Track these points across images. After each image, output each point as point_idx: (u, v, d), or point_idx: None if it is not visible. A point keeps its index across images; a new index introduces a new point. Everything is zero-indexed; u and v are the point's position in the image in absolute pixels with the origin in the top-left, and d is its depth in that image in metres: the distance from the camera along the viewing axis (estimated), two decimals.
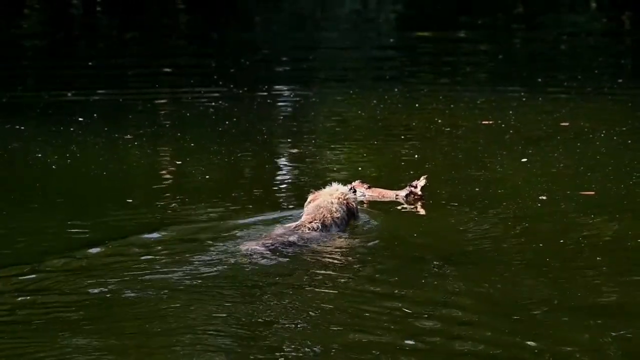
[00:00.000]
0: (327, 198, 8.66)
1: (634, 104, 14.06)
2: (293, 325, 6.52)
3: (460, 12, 28.70)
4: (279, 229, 8.39)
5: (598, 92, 15.14)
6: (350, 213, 8.69)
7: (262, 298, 6.96)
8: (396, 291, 7.04)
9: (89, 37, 24.75)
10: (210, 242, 8.12)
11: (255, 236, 8.23)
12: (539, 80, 16.49)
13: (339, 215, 8.57)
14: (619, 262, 7.62)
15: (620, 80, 16.16)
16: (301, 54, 21.07)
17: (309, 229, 8.36)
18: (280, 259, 7.79)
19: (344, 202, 8.66)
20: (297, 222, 8.46)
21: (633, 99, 14.45)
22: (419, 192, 9.37)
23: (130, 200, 9.53)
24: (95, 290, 7.09)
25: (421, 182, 9.40)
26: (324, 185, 9.00)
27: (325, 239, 8.32)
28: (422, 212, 9.16)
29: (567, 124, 12.82)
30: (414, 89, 15.68)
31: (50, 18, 28.82)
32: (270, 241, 8.05)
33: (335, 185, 8.84)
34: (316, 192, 8.79)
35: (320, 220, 8.44)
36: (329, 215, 8.51)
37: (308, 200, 8.78)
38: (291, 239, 8.15)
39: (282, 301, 6.90)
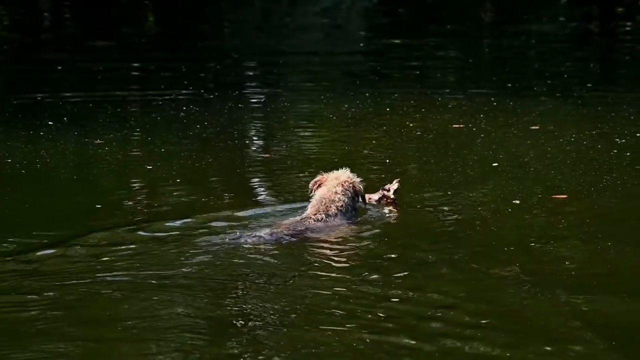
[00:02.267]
0: (332, 185, 8.90)
1: (602, 108, 14.15)
2: (273, 325, 6.52)
3: (430, 19, 28.80)
4: (284, 221, 8.61)
5: (567, 97, 15.22)
6: (356, 197, 8.93)
7: (235, 298, 6.96)
8: (377, 289, 7.06)
9: (58, 42, 24.62)
10: (181, 246, 8.12)
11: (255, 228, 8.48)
12: (509, 84, 16.57)
13: (342, 203, 8.80)
14: (595, 264, 7.66)
15: (589, 85, 16.27)
16: (271, 58, 21.07)
17: (314, 220, 8.60)
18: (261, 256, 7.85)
19: (350, 186, 8.91)
20: (302, 215, 8.70)
21: (602, 103, 14.55)
22: (392, 196, 9.36)
23: (100, 206, 9.48)
24: (53, 294, 7.07)
25: (394, 185, 9.39)
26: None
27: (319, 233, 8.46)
28: (394, 215, 9.15)
29: (537, 127, 12.88)
30: (384, 94, 15.71)
31: (17, 23, 28.64)
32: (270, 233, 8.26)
33: (342, 170, 9.07)
34: (324, 175, 9.04)
35: (324, 211, 8.67)
36: (332, 205, 8.74)
37: (314, 181, 9.05)
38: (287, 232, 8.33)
39: (259, 299, 6.90)
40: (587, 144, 11.85)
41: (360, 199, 9.06)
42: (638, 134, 12.29)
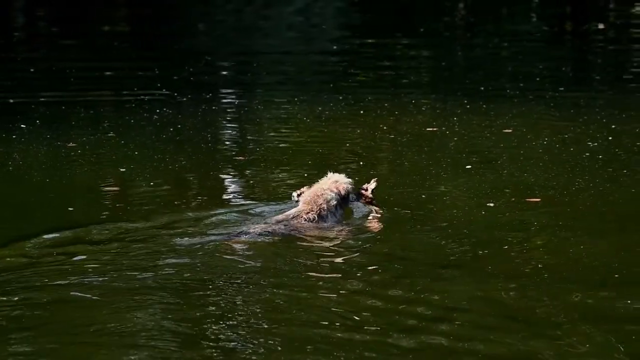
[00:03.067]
0: (320, 187, 9.11)
1: (575, 111, 14.23)
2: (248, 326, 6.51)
3: (404, 20, 28.86)
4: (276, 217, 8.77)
5: (540, 99, 15.29)
6: (342, 199, 9.10)
7: (209, 300, 6.95)
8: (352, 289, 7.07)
9: (30, 43, 24.48)
10: (154, 248, 8.11)
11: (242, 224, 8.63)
12: (482, 87, 16.62)
13: (332, 204, 9.00)
14: (570, 268, 7.71)
15: (561, 88, 16.34)
16: (245, 59, 21.05)
17: (305, 219, 8.80)
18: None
19: (335, 189, 9.09)
20: (292, 212, 8.88)
21: (574, 106, 14.62)
22: (370, 195, 9.42)
23: (72, 209, 9.46)
24: (23, 296, 7.05)
25: (372, 185, 9.47)
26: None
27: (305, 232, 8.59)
28: (365, 219, 9.16)
29: (510, 130, 12.93)
30: (358, 96, 15.72)
31: None
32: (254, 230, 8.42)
33: (330, 174, 9.27)
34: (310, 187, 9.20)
35: (316, 211, 8.88)
36: (324, 205, 8.95)
37: (299, 192, 9.20)
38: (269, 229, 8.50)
39: (235, 301, 6.89)
40: (559, 147, 11.91)
41: (353, 197, 9.26)
42: (610, 137, 12.36)
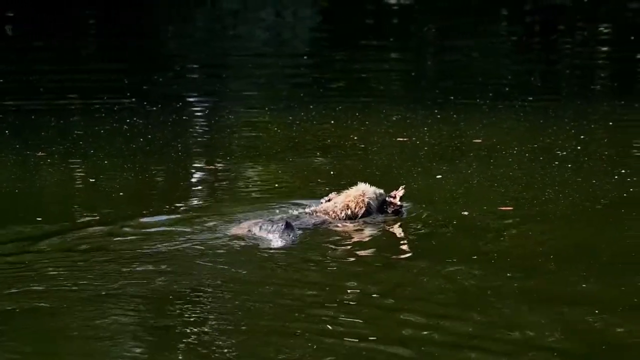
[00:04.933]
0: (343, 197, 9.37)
1: (544, 121, 14.30)
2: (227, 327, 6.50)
3: (374, 31, 28.91)
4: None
5: (510, 109, 15.35)
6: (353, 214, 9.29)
7: (183, 306, 6.92)
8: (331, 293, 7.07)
9: None
10: (122, 257, 8.10)
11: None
12: (452, 97, 16.67)
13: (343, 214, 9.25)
14: (548, 275, 7.78)
15: (530, 98, 16.41)
16: (215, 70, 21.00)
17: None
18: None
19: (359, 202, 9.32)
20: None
21: (543, 116, 14.70)
22: (398, 202, 9.40)
23: (41, 219, 9.40)
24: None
25: (400, 192, 9.44)
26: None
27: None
28: (342, 228, 9.16)
29: (480, 140, 12.98)
30: (328, 106, 15.72)
31: None
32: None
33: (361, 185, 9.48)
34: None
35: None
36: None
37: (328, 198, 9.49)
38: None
39: (208, 307, 6.87)
40: (529, 156, 11.97)
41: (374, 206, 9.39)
42: (579, 147, 12.44)
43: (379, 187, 10.38)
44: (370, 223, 9.23)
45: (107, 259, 8.11)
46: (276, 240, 8.56)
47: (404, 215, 9.36)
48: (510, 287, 7.49)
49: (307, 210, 9.30)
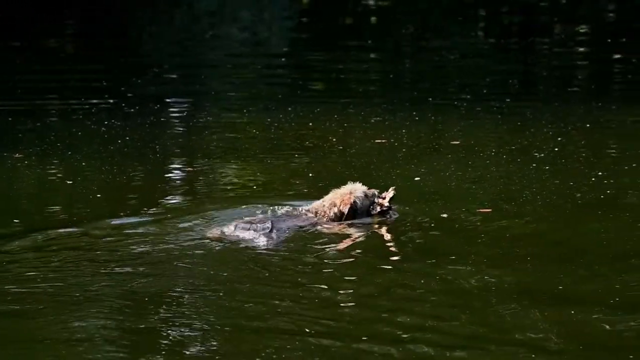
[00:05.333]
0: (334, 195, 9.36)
1: (522, 123, 14.34)
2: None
3: (351, 32, 28.94)
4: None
5: (487, 111, 15.39)
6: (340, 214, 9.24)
7: (163, 309, 6.91)
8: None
9: None
10: (100, 259, 8.08)
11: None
12: (430, 99, 16.70)
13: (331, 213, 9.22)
14: (528, 275, 7.83)
15: (508, 100, 16.46)
16: (193, 71, 20.96)
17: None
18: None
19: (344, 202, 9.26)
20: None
21: (521, 118, 14.74)
22: (387, 204, 9.38)
23: (18, 220, 9.37)
24: None
25: (389, 193, 9.42)
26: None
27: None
28: (324, 229, 9.18)
29: (457, 142, 13.01)
30: (307, 107, 15.72)
31: None
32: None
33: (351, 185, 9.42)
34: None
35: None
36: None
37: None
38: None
39: (186, 309, 6.86)
40: (507, 158, 12.01)
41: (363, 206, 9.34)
42: (556, 149, 12.49)
43: None
44: (355, 224, 9.22)
45: (84, 260, 8.10)
46: (258, 241, 8.56)
47: (393, 217, 9.35)
48: (491, 288, 7.52)
49: (294, 210, 9.30)
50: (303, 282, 7.66)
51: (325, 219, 9.16)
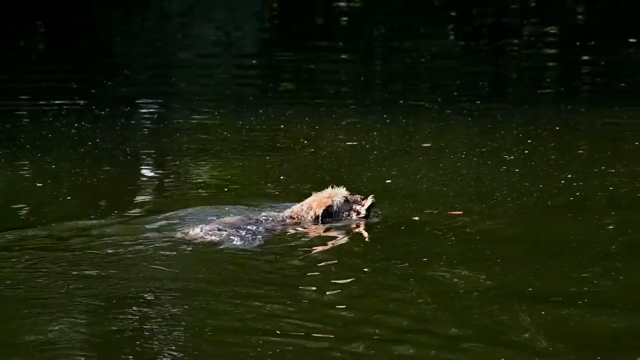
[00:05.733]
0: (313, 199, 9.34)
1: (492, 125, 14.41)
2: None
3: (322, 34, 28.97)
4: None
5: (458, 113, 15.45)
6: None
7: (131, 312, 6.89)
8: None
9: None
10: (70, 261, 8.06)
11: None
12: (401, 101, 16.74)
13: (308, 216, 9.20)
14: (500, 277, 7.90)
15: (478, 102, 16.53)
16: (164, 73, 20.90)
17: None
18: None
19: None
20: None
21: (491, 120, 14.81)
22: (363, 211, 9.37)
23: None
24: None
25: (368, 201, 9.41)
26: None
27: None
28: (292, 232, 9.19)
29: (429, 144, 13.05)
30: (278, 110, 15.72)
31: None
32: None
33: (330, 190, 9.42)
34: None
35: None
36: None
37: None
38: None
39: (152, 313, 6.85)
40: (477, 160, 12.06)
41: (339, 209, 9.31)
42: (526, 151, 12.56)
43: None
44: (330, 228, 9.23)
45: (53, 262, 8.07)
46: (228, 243, 8.56)
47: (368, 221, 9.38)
48: (467, 289, 7.57)
49: (275, 213, 9.30)
50: (273, 283, 7.68)
51: (300, 222, 9.17)
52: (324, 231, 9.12)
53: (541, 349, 6.53)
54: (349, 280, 7.80)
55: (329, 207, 9.25)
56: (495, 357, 6.42)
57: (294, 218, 9.20)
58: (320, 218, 9.20)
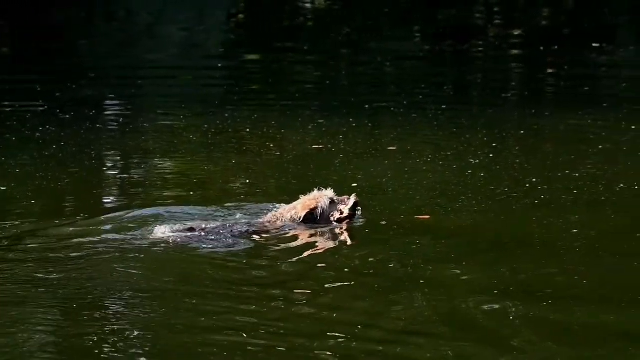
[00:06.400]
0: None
1: (457, 129, 14.47)
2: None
3: (287, 37, 28.98)
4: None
5: (423, 117, 15.49)
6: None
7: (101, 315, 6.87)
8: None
9: None
10: (35, 265, 8.02)
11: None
12: (366, 105, 16.77)
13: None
14: (465, 279, 7.97)
15: (444, 106, 16.58)
16: (129, 76, 20.82)
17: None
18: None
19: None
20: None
21: (456, 124, 14.87)
22: (346, 212, 9.35)
23: None
24: None
25: (351, 201, 9.39)
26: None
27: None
28: (269, 234, 9.20)
29: (394, 148, 13.08)
30: (243, 113, 15.70)
31: None
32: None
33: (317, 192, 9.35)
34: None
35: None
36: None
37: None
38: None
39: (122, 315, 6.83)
40: (442, 164, 12.10)
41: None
42: (491, 155, 12.62)
43: (295, 195, 10.44)
44: (310, 230, 9.24)
45: (18, 266, 8.03)
46: (197, 244, 8.55)
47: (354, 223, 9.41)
48: (440, 288, 7.63)
49: (258, 214, 9.31)
50: (241, 283, 7.69)
51: (282, 224, 9.13)
52: (299, 233, 9.13)
53: (521, 344, 6.63)
54: (309, 280, 7.83)
55: (313, 209, 9.22)
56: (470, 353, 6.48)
57: (277, 220, 9.16)
58: (301, 219, 9.18)
